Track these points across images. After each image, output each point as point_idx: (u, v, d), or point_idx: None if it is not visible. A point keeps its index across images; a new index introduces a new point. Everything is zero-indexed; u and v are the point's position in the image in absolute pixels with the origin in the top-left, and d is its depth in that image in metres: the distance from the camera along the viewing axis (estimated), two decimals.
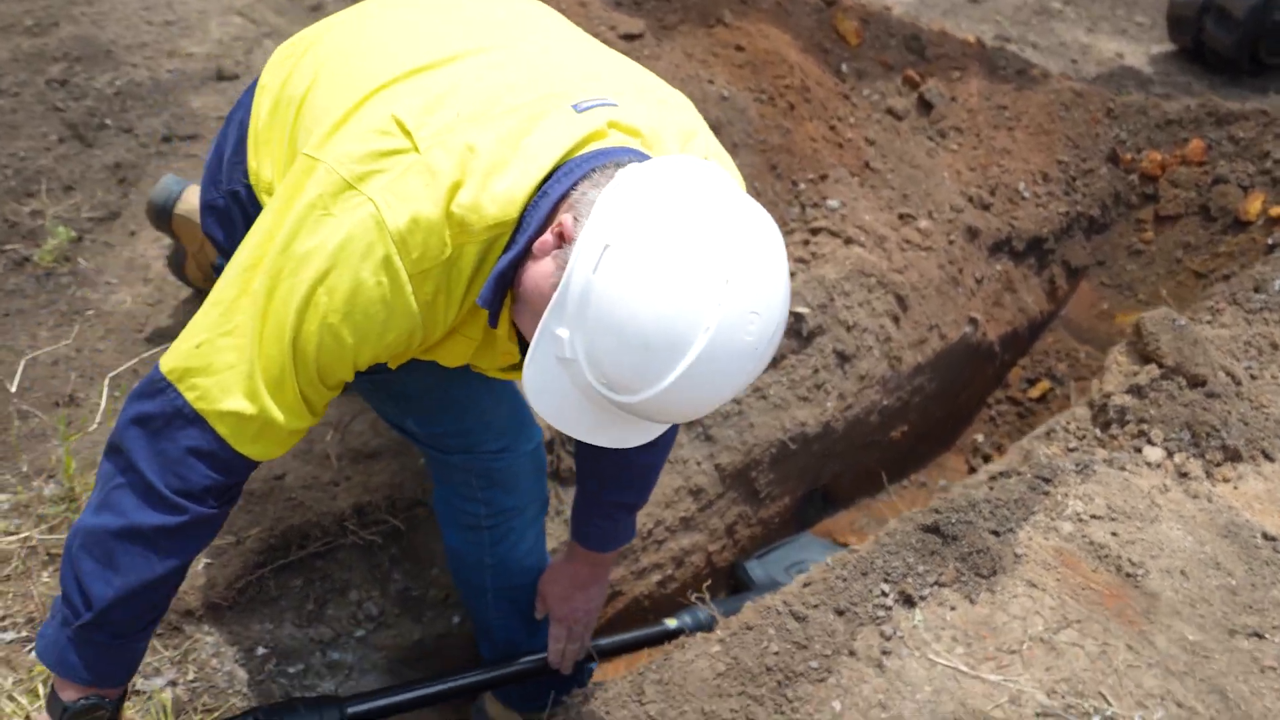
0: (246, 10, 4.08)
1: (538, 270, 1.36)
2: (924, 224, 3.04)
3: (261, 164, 1.66)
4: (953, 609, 2.12)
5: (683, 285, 1.20)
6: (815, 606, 2.07)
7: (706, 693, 1.91)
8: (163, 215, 2.52)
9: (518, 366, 1.54)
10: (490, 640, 2.20)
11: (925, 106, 3.24)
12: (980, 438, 3.26)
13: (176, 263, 2.65)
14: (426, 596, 2.36)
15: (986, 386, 3.28)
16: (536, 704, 2.28)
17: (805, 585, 2.13)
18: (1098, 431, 2.54)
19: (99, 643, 1.47)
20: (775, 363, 2.78)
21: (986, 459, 3.23)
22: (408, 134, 1.40)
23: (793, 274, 2.78)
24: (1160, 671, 2.03)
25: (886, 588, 2.14)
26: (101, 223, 3.00)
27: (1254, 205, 3.08)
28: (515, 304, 1.43)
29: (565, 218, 1.32)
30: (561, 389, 1.33)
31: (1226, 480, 2.42)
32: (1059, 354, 3.30)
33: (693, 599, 2.38)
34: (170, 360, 1.41)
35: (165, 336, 2.63)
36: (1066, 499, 2.32)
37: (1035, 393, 3.25)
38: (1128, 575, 2.19)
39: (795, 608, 2.06)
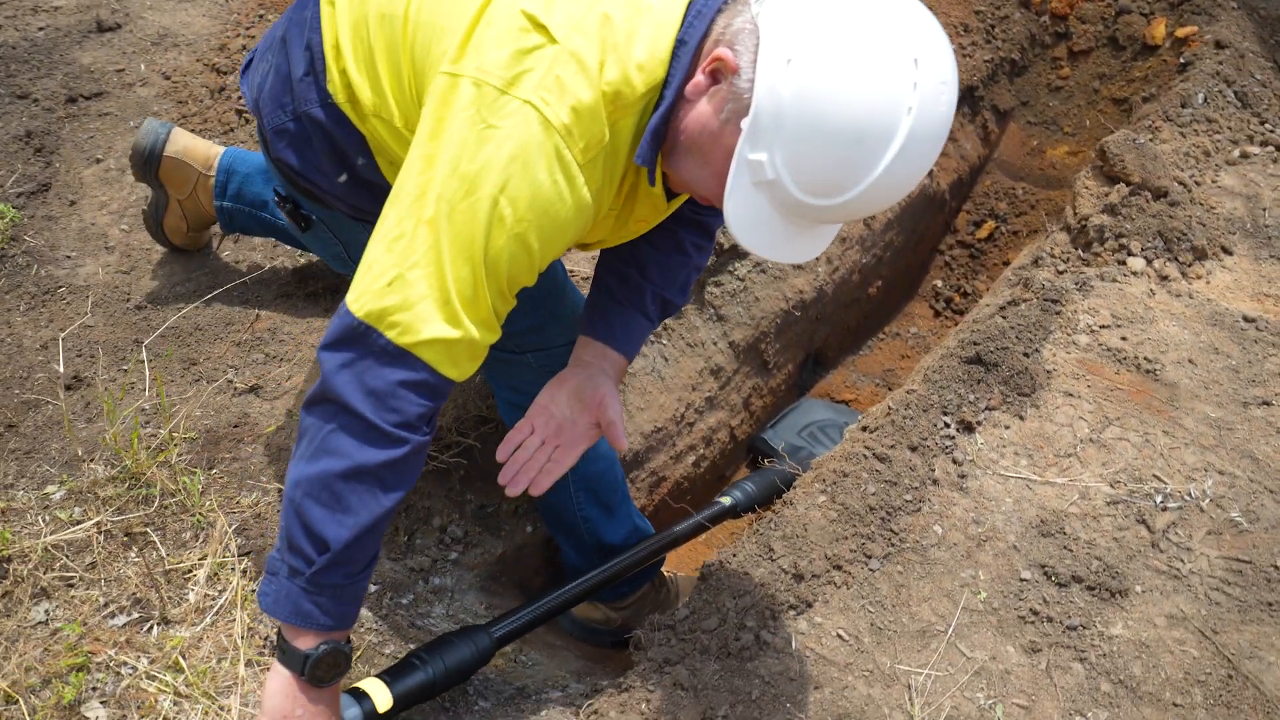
0: None
1: (698, 113, 1.41)
2: None
3: (354, 82, 1.60)
4: (1007, 428, 2.29)
5: (878, 75, 1.27)
6: (892, 447, 2.20)
7: (826, 539, 2.02)
8: (151, 161, 2.36)
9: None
10: (574, 534, 2.23)
11: None
12: (939, 283, 3.46)
13: (155, 217, 2.49)
14: (500, 511, 2.37)
15: (939, 234, 3.46)
16: (621, 591, 2.35)
17: (875, 430, 2.25)
18: (1080, 252, 2.74)
19: (334, 585, 1.46)
20: None
21: (948, 302, 3.43)
22: (542, 28, 1.39)
23: None
24: (1196, 449, 2.26)
25: (948, 419, 2.29)
26: (34, 197, 2.77)
27: (1158, 30, 3.33)
28: (673, 155, 1.47)
29: (721, 51, 1.36)
30: (760, 214, 1.38)
31: (1199, 277, 2.67)
32: (998, 194, 3.51)
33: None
34: (362, 303, 1.39)
35: (157, 301, 2.49)
36: (1076, 315, 2.52)
37: (983, 233, 3.46)
38: (1146, 371, 2.41)
39: (877, 450, 2.18)
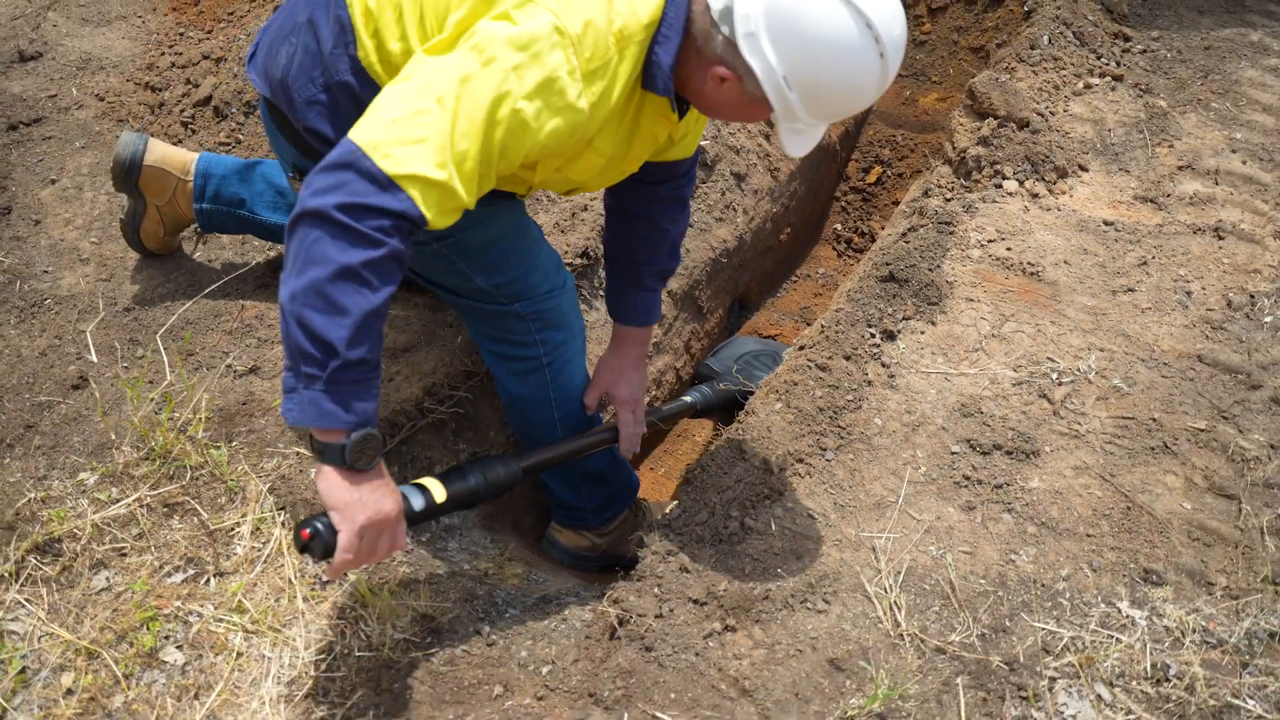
0: None
1: (724, 97, 1.78)
2: None
3: (384, 43, 1.81)
4: (923, 333, 2.66)
5: (853, 48, 1.65)
6: (830, 358, 2.54)
7: (787, 438, 2.35)
8: (132, 171, 2.53)
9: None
10: (559, 468, 2.50)
11: None
12: (839, 226, 3.83)
13: (132, 225, 2.66)
14: (489, 457, 2.62)
15: (834, 182, 3.83)
16: (605, 516, 2.63)
17: (813, 346, 2.59)
18: (962, 180, 3.14)
19: (350, 382, 1.60)
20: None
21: (848, 243, 3.80)
22: None
23: None
24: (1080, 332, 2.67)
25: (872, 330, 2.64)
26: None
27: None
28: (700, 104, 1.85)
29: (720, 71, 1.74)
30: (802, 140, 1.79)
31: (1064, 193, 3.09)
32: (880, 142, 3.90)
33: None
34: (364, 135, 1.56)
35: (145, 302, 2.67)
36: (967, 233, 2.91)
37: (871, 178, 3.84)
38: (1030, 274, 2.81)
39: (818, 361, 2.52)
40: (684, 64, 1.79)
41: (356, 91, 1.87)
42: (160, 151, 2.56)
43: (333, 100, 1.90)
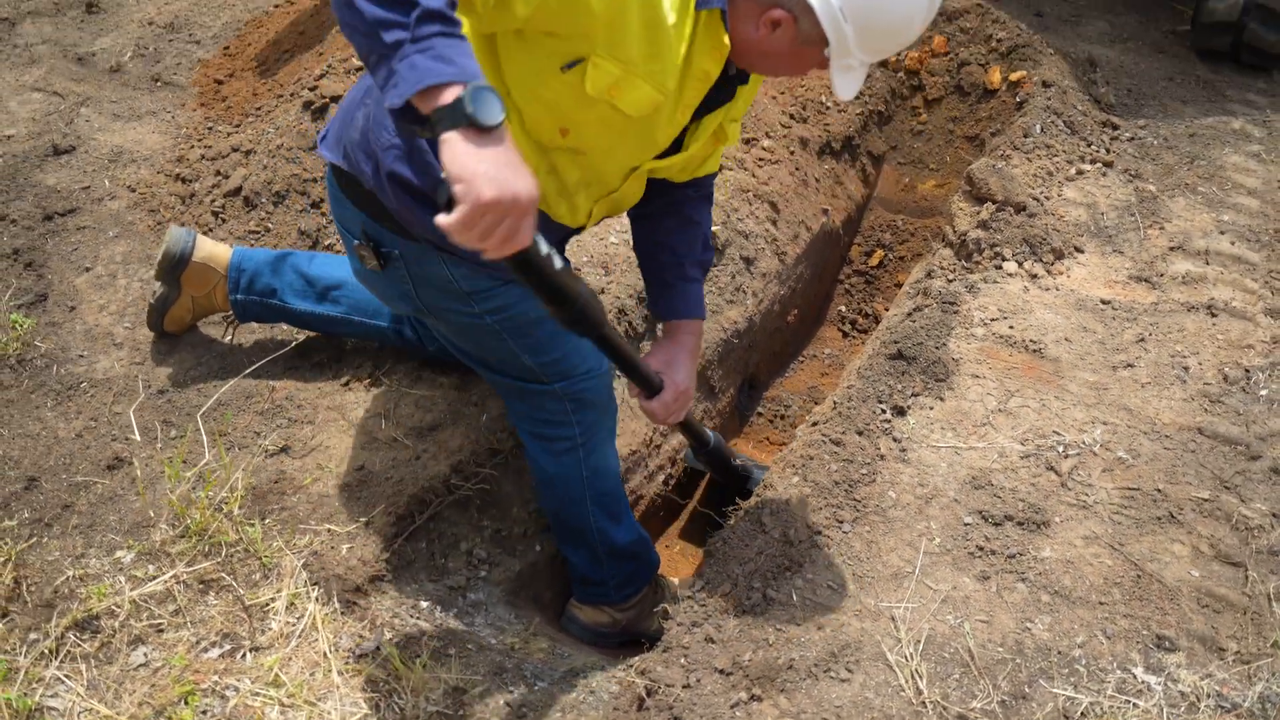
0: (42, 84, 4.01)
1: (774, 43, 1.85)
2: (766, 143, 3.65)
3: None
4: (931, 409, 2.75)
5: None
6: (844, 433, 2.63)
7: (805, 510, 2.42)
8: (180, 265, 2.65)
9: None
10: (587, 545, 2.56)
11: None
12: (843, 308, 3.94)
13: (160, 310, 2.76)
14: (513, 534, 2.69)
15: (838, 265, 3.96)
16: (626, 593, 2.68)
17: (827, 421, 2.68)
18: (963, 262, 3.26)
19: (439, 34, 1.49)
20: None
21: (853, 324, 3.91)
22: None
23: None
24: (1083, 407, 2.76)
25: (883, 406, 2.73)
26: (34, 307, 3.00)
27: (995, 76, 3.93)
28: (748, 58, 1.91)
29: (776, 14, 1.79)
30: (852, 81, 1.87)
31: (1061, 273, 3.21)
32: (882, 226, 4.04)
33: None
34: None
35: (178, 384, 2.75)
36: (970, 312, 3.02)
37: (874, 261, 3.97)
38: (1033, 351, 2.92)
39: (832, 436, 2.61)
40: (734, 12, 1.84)
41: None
42: (208, 249, 2.69)
43: (409, 142, 1.95)
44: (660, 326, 2.47)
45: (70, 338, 2.91)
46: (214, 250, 2.71)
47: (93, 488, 2.48)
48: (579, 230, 2.22)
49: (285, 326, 2.93)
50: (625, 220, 2.72)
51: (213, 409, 2.66)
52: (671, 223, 2.32)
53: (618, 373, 2.69)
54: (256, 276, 2.69)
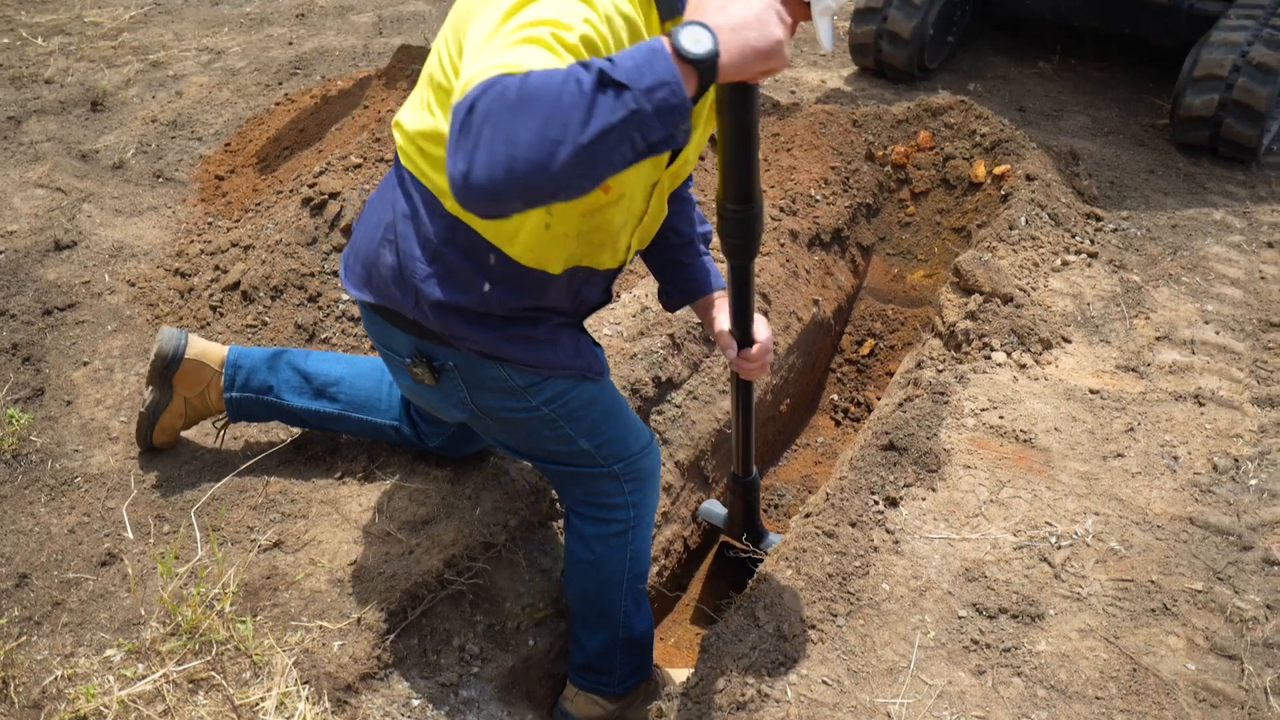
0: (46, 181, 4.09)
1: None
2: None
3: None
4: (924, 499, 2.76)
5: None
6: (837, 524, 2.63)
7: (799, 604, 2.42)
8: (171, 365, 2.66)
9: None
10: (610, 626, 2.50)
11: None
12: (835, 397, 3.97)
13: (151, 417, 2.75)
14: (505, 629, 2.67)
15: (830, 355, 4.00)
16: (628, 684, 2.65)
17: (820, 513, 2.68)
18: (953, 352, 3.30)
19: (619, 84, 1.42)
20: (695, 366, 3.33)
21: (845, 412, 3.94)
22: None
23: None
24: (1074, 497, 2.77)
25: (875, 497, 2.74)
26: (31, 401, 3.02)
27: (980, 170, 4.02)
28: None
29: None
30: (831, 29, 1.86)
31: (1050, 363, 3.25)
32: (872, 316, 4.09)
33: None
34: (481, 64, 1.47)
35: (172, 480, 2.76)
36: (960, 402, 3.05)
37: (865, 350, 4.01)
38: (1024, 441, 2.94)
39: (825, 528, 2.61)
40: None
41: (457, 243, 1.93)
42: (200, 346, 2.70)
43: (439, 264, 1.95)
44: (692, 310, 2.49)
45: (66, 432, 2.92)
46: (207, 348, 2.73)
47: (84, 584, 2.47)
48: (620, 269, 2.21)
49: (274, 422, 2.95)
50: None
51: (207, 504, 2.66)
52: (670, 204, 2.31)
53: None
54: (253, 373, 2.71)
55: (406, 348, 2.12)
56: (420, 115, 1.90)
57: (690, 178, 2.42)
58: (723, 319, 2.37)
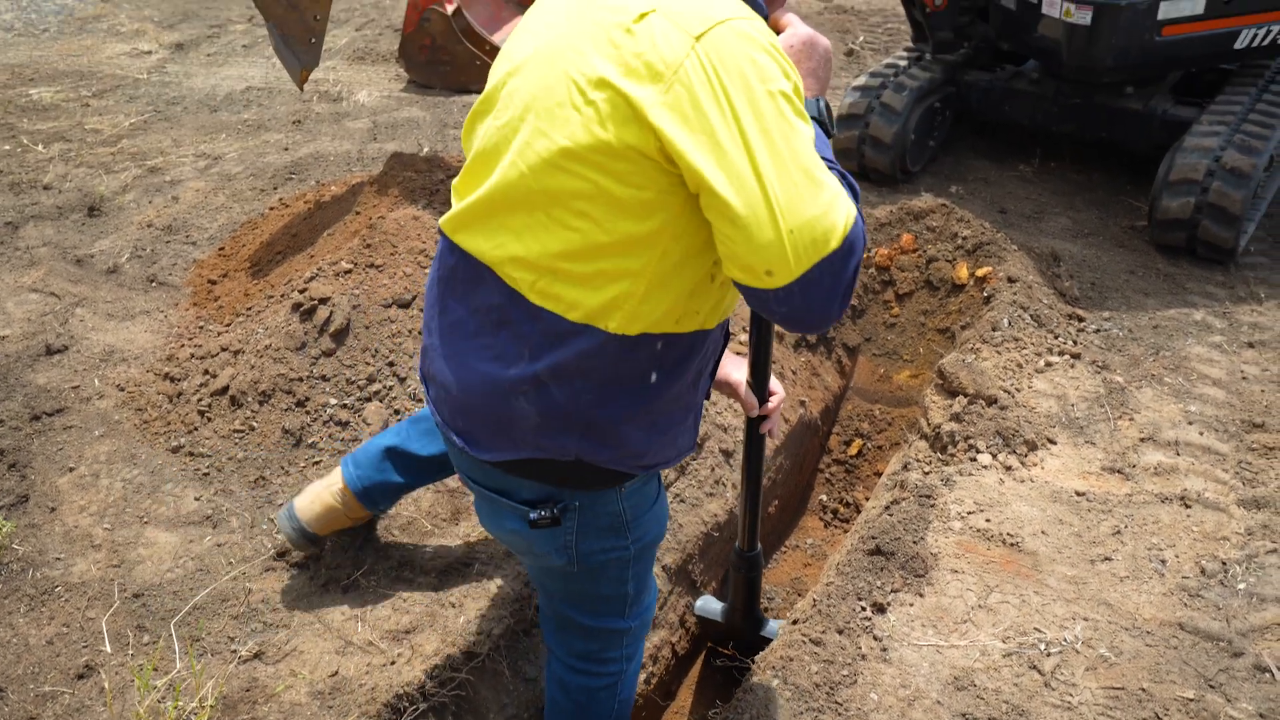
0: (40, 285, 4.13)
1: None
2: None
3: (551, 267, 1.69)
4: (912, 605, 2.74)
5: None
6: (824, 632, 2.61)
7: (786, 715, 2.38)
8: (312, 541, 2.71)
9: None
10: None
11: None
12: (824, 497, 3.96)
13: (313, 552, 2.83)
14: None
15: (818, 455, 4.00)
16: None
17: (806, 620, 2.66)
18: (939, 454, 3.31)
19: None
20: (682, 469, 3.33)
21: (834, 513, 3.93)
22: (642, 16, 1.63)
23: None
24: (1063, 602, 2.75)
25: (863, 603, 2.72)
26: (15, 509, 3.00)
27: (962, 272, 4.09)
28: None
29: None
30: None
31: (1035, 464, 3.25)
32: (859, 416, 4.10)
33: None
34: (826, 231, 1.50)
35: (154, 588, 2.73)
36: (947, 505, 3.04)
37: (853, 450, 4.02)
38: (1011, 545, 2.93)
39: (812, 636, 2.59)
40: None
41: (617, 352, 1.73)
42: (314, 508, 2.68)
43: (608, 383, 1.76)
44: None
45: (49, 540, 2.90)
46: (317, 496, 2.69)
47: (60, 698, 2.43)
48: None
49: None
50: None
51: (188, 613, 2.64)
52: None
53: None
54: (376, 481, 2.65)
55: (539, 494, 1.91)
56: (557, 235, 1.66)
57: None
58: (734, 371, 2.40)
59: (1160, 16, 4.51)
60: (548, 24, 1.72)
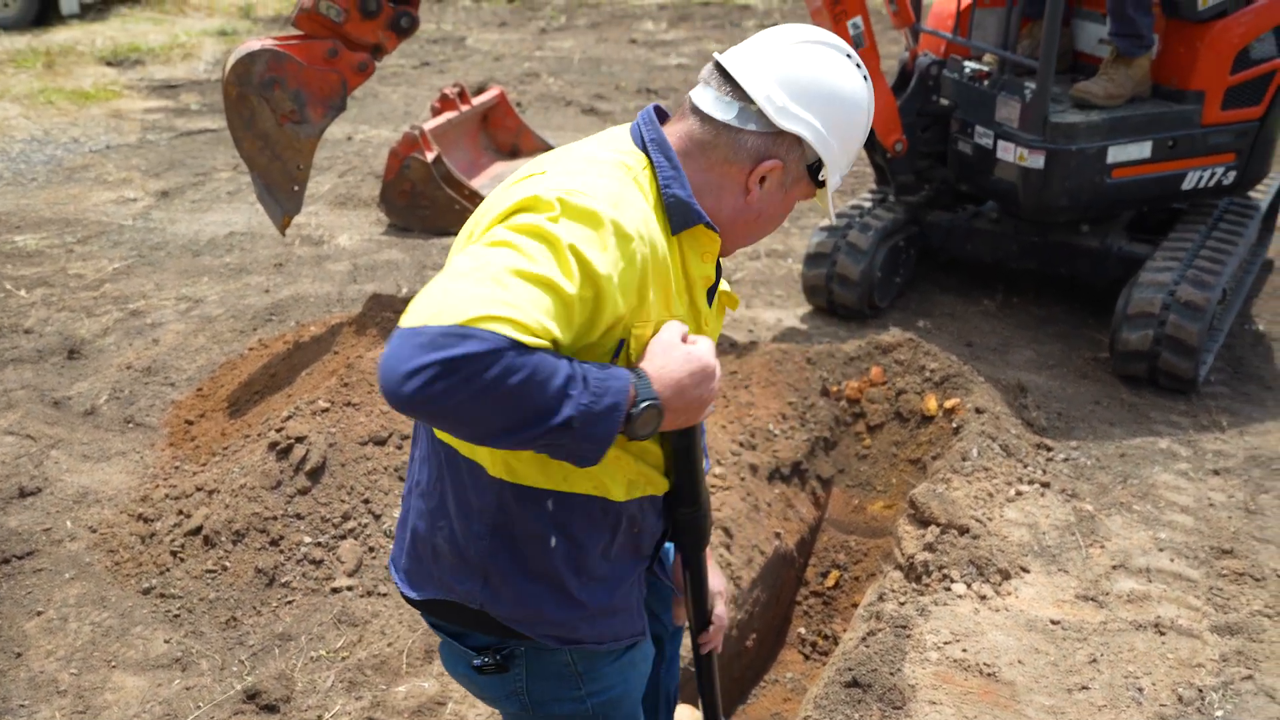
0: (16, 428, 4.14)
1: (767, 197, 1.80)
2: (718, 470, 3.80)
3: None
4: None
5: (833, 59, 1.78)
6: None
7: None
8: None
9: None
10: None
11: None
12: (802, 630, 3.93)
13: None
14: None
15: (794, 587, 3.99)
16: None
17: None
18: (914, 584, 3.32)
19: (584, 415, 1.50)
20: None
21: (813, 645, 3.89)
22: (539, 173, 1.70)
23: None
24: None
25: None
26: None
27: (931, 404, 4.17)
28: (733, 234, 1.85)
29: (769, 164, 1.75)
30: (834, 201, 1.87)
31: (1010, 593, 3.27)
32: (835, 547, 4.11)
33: None
34: (415, 316, 1.44)
35: None
36: (923, 636, 3.04)
37: (830, 582, 4.01)
38: (987, 675, 2.92)
39: None
40: (719, 195, 1.80)
41: (512, 501, 1.76)
42: None
43: (503, 533, 1.78)
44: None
45: (13, 686, 2.85)
46: None
47: None
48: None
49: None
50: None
51: None
52: None
53: None
54: None
55: (474, 643, 1.90)
56: None
57: None
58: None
59: (1110, 160, 4.74)
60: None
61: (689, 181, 1.76)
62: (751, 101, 1.74)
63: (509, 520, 1.77)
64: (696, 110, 1.79)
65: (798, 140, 1.77)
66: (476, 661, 1.88)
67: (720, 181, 1.79)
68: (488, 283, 1.47)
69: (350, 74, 4.32)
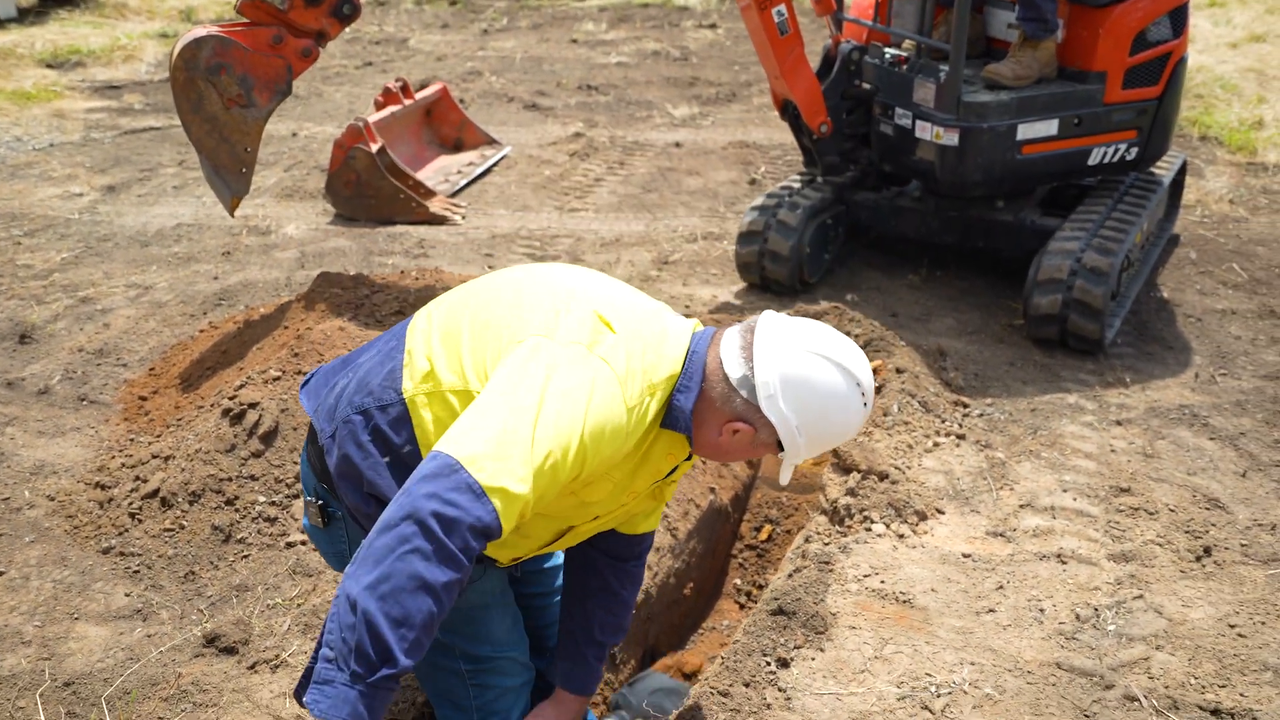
0: None
1: (736, 443, 2.05)
2: None
3: (436, 368, 2.01)
4: (813, 660, 2.93)
5: (842, 390, 2.00)
6: (731, 685, 2.78)
7: None
8: None
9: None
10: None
11: None
12: (738, 581, 4.15)
13: None
14: None
15: (730, 541, 4.20)
16: None
17: (717, 675, 2.83)
18: (837, 527, 3.55)
19: (387, 688, 1.68)
20: None
21: (748, 595, 4.11)
22: (608, 324, 1.99)
23: None
24: (951, 650, 2.97)
25: (768, 659, 2.91)
26: None
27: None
28: (713, 449, 2.09)
29: (738, 425, 2.01)
30: (788, 472, 2.12)
31: (926, 532, 3.51)
32: (768, 503, 4.33)
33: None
34: (461, 448, 1.75)
35: (87, 675, 2.82)
36: (845, 570, 3.27)
37: (763, 535, 4.23)
38: (903, 602, 3.15)
39: (720, 688, 2.76)
40: (699, 422, 2.05)
41: (389, 418, 2.04)
42: None
43: (365, 422, 2.05)
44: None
45: None
46: None
47: None
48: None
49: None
50: None
51: (116, 695, 2.72)
52: (605, 599, 2.43)
53: None
54: None
55: (311, 482, 2.22)
56: (451, 379, 2.00)
57: (642, 551, 2.49)
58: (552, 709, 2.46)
59: (1020, 137, 5.03)
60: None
61: (695, 396, 2.02)
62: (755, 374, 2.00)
63: (374, 424, 2.05)
64: (720, 354, 2.04)
65: (770, 423, 2.01)
66: (308, 498, 2.22)
67: (706, 414, 2.05)
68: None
69: (295, 59, 4.48)
